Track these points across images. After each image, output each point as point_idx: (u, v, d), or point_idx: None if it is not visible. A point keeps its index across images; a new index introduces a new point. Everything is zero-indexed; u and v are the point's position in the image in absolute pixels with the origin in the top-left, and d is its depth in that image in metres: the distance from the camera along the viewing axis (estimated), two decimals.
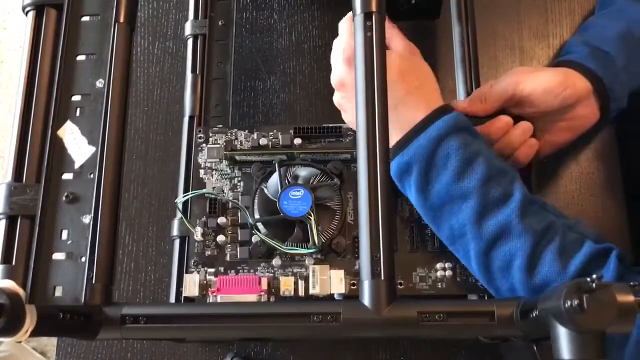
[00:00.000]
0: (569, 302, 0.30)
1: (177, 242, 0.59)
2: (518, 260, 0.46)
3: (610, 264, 0.45)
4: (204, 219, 0.57)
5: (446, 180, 0.48)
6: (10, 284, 0.35)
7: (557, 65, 0.58)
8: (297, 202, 0.53)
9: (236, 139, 0.59)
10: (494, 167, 0.49)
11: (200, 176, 0.59)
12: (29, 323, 0.34)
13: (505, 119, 0.56)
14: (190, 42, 0.67)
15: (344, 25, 0.56)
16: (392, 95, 0.49)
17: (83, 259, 0.37)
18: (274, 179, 0.56)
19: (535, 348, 0.40)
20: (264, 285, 0.52)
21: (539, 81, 0.54)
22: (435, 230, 0.52)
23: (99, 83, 0.40)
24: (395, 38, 0.56)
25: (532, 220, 0.47)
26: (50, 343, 1.33)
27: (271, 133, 0.59)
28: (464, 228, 0.48)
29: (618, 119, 0.61)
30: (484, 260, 0.48)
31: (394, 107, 0.49)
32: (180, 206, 0.58)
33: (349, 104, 0.55)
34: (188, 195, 0.58)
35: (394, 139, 0.51)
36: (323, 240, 0.54)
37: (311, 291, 0.52)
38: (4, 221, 0.38)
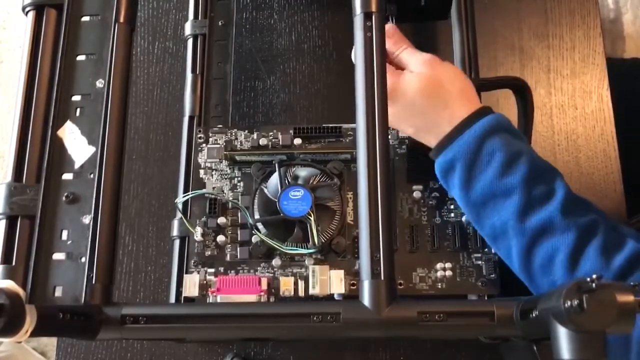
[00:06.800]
0: (569, 302, 0.30)
1: (177, 242, 0.59)
2: (560, 256, 0.46)
3: None
4: (204, 219, 0.57)
5: (490, 177, 0.49)
6: (10, 284, 0.35)
7: None
8: (297, 202, 0.53)
9: (236, 139, 0.59)
10: (538, 166, 0.49)
11: (200, 176, 0.59)
12: (29, 323, 0.34)
13: None
14: (190, 42, 0.67)
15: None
16: (436, 106, 0.51)
17: (83, 259, 0.37)
18: (274, 179, 0.56)
19: (535, 348, 0.40)
20: (264, 286, 0.52)
21: None
22: (478, 228, 0.52)
23: (99, 83, 0.40)
24: (410, 55, 0.54)
25: (575, 217, 0.47)
26: (50, 343, 1.33)
27: (271, 133, 0.59)
28: (506, 225, 0.48)
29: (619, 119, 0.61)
30: (526, 258, 0.48)
31: (438, 115, 0.51)
32: (180, 206, 0.58)
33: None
34: (188, 195, 0.58)
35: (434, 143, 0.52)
36: (323, 241, 0.54)
37: (311, 291, 0.52)
38: (4, 221, 0.38)
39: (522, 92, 0.57)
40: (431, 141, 0.52)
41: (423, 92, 0.51)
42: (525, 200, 0.47)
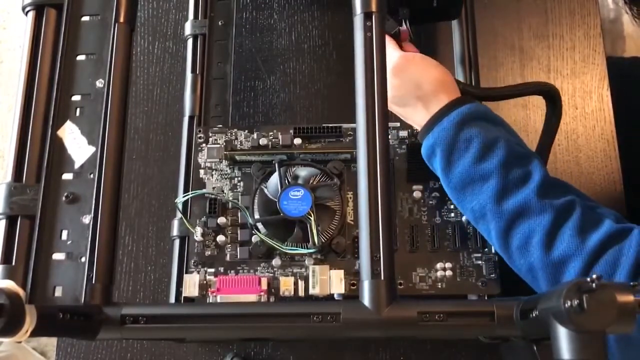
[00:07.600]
0: (569, 302, 0.30)
1: (177, 242, 0.59)
2: (536, 237, 0.47)
3: (633, 239, 0.45)
4: (204, 219, 0.57)
5: (468, 163, 0.50)
6: (10, 284, 0.35)
7: None
8: (297, 202, 0.53)
9: (236, 139, 0.59)
10: (514, 151, 0.50)
11: (200, 176, 0.59)
12: (29, 323, 0.34)
13: None
14: (190, 42, 0.67)
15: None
16: (407, 106, 0.54)
17: (83, 259, 0.37)
18: (274, 179, 0.56)
19: (535, 348, 0.40)
20: (264, 286, 0.52)
21: None
22: (461, 210, 0.53)
23: (99, 83, 0.40)
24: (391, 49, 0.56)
25: (552, 199, 0.48)
26: (50, 343, 1.33)
27: (271, 133, 0.59)
28: (485, 209, 0.49)
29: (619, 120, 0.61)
30: (504, 240, 0.49)
31: (423, 105, 0.53)
32: (180, 206, 0.58)
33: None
34: (188, 195, 0.58)
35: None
36: (323, 240, 0.54)
37: (311, 291, 0.52)
38: (4, 221, 0.38)
39: (553, 98, 0.56)
40: (417, 128, 0.55)
41: (391, 101, 0.54)
42: (502, 184, 0.49)
